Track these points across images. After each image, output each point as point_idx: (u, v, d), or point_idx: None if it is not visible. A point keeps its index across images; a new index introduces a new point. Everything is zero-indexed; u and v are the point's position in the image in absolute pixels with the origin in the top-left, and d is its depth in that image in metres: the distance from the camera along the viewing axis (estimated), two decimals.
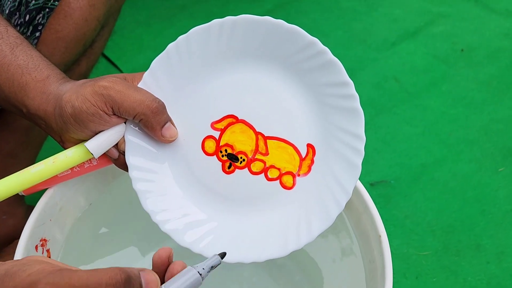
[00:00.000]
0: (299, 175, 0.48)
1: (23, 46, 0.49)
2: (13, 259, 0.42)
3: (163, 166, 0.49)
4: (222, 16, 0.47)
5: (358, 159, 0.46)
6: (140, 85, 0.48)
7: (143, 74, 0.48)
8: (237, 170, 0.48)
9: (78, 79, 0.49)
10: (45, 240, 0.53)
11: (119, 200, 0.62)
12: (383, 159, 0.99)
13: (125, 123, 0.48)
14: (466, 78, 1.19)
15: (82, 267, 0.37)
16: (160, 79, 0.48)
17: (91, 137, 0.47)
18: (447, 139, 1.04)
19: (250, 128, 0.48)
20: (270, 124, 0.48)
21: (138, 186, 0.47)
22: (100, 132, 0.47)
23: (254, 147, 0.48)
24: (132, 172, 0.48)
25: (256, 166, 0.48)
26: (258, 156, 0.48)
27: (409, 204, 0.92)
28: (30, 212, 0.52)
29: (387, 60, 1.24)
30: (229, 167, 0.49)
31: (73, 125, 0.46)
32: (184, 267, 0.35)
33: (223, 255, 0.37)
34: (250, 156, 0.48)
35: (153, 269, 0.35)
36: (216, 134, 0.48)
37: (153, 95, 0.46)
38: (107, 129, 0.47)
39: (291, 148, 0.48)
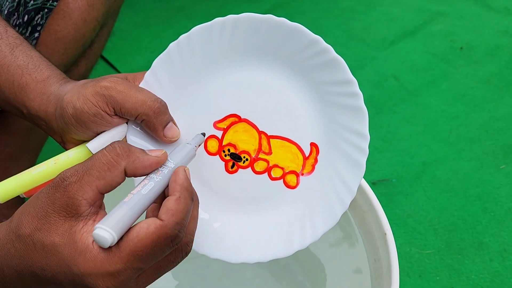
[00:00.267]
0: (302, 174, 0.48)
1: (22, 47, 0.49)
2: None
3: None
4: (219, 16, 0.46)
5: (362, 158, 0.45)
6: (141, 85, 0.47)
7: (144, 74, 0.48)
8: (240, 170, 0.48)
9: (77, 80, 0.49)
10: None
11: (120, 200, 0.62)
12: (384, 158, 0.99)
13: (126, 123, 0.47)
14: (465, 76, 1.20)
15: None
16: (161, 78, 0.47)
17: (93, 138, 0.47)
18: (447, 137, 1.04)
19: (253, 127, 0.48)
20: (273, 123, 0.47)
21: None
22: (101, 132, 0.46)
23: (257, 147, 0.48)
24: None
25: (260, 165, 0.48)
26: (261, 156, 0.48)
27: (411, 203, 0.92)
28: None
29: (386, 58, 1.24)
30: (232, 167, 0.48)
31: (74, 126, 0.45)
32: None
33: (204, 134, 0.46)
34: (253, 155, 0.48)
35: None
36: (219, 133, 0.48)
37: (155, 95, 0.45)
38: (109, 129, 0.46)
39: (294, 147, 0.47)
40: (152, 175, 0.37)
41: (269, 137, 0.48)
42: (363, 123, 0.45)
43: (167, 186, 0.37)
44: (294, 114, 0.47)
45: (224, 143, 0.48)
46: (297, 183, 0.47)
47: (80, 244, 0.33)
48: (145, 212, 0.37)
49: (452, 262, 0.83)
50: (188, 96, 0.48)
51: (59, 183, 0.34)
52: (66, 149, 0.48)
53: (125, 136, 0.48)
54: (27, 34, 0.60)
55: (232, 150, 0.48)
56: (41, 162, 0.47)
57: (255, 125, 0.48)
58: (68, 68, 0.66)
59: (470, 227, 0.88)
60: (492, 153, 1.01)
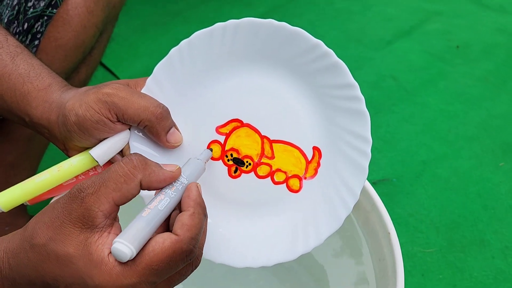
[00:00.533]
0: (305, 178, 0.48)
1: (23, 55, 0.49)
2: None
3: None
4: (216, 21, 0.46)
5: (365, 161, 0.45)
6: (143, 90, 0.48)
7: (146, 80, 0.48)
8: (243, 175, 0.48)
9: (78, 87, 0.49)
10: None
11: (125, 206, 0.62)
12: (385, 157, 1.00)
13: (129, 129, 0.47)
14: (462, 75, 1.20)
15: None
16: (163, 84, 0.48)
17: (96, 145, 0.47)
18: (446, 135, 1.05)
19: (256, 132, 0.48)
20: (275, 128, 0.47)
21: (144, 192, 0.47)
22: (104, 139, 0.47)
23: (259, 151, 0.48)
24: None
25: (262, 170, 0.48)
26: (264, 160, 0.48)
27: (412, 202, 0.92)
28: None
29: (383, 59, 1.25)
30: (235, 172, 0.48)
31: (77, 133, 0.45)
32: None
33: (211, 149, 0.47)
34: (256, 160, 0.48)
35: None
36: (221, 138, 0.48)
37: (157, 101, 0.45)
38: (112, 136, 0.46)
39: (297, 151, 0.48)
40: (167, 191, 0.38)
41: (271, 142, 0.48)
42: (365, 127, 0.45)
43: (179, 201, 0.38)
44: (296, 118, 0.47)
45: (226, 148, 0.48)
46: (300, 187, 0.48)
47: (96, 256, 0.33)
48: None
49: (455, 260, 0.84)
50: (190, 101, 0.48)
51: (76, 194, 0.34)
52: (69, 156, 0.48)
53: (128, 143, 0.48)
54: (27, 42, 0.60)
55: (235, 155, 0.48)
56: (43, 169, 0.47)
57: (257, 129, 0.48)
58: (69, 75, 0.66)
59: (471, 225, 0.89)
60: (491, 151, 1.01)
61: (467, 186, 0.95)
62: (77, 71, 0.68)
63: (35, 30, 0.59)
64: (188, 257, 0.35)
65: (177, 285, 0.39)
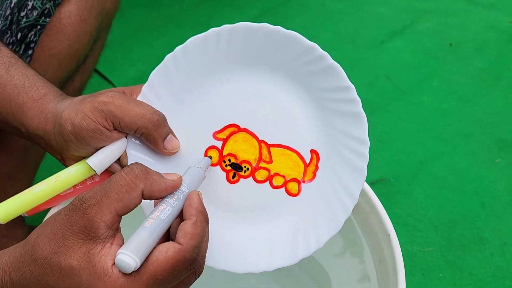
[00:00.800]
0: (304, 182, 0.48)
1: (18, 66, 0.48)
2: None
3: None
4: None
5: (363, 164, 0.45)
6: (139, 98, 0.47)
7: (141, 87, 0.48)
8: (241, 180, 0.48)
9: (73, 95, 0.49)
10: None
11: (127, 221, 0.62)
12: (381, 157, 1.00)
13: (126, 137, 0.47)
14: (456, 73, 1.21)
15: None
16: (159, 91, 0.47)
17: (92, 154, 0.46)
18: (442, 134, 1.05)
19: (253, 137, 0.48)
20: (272, 132, 0.47)
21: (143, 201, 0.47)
22: (101, 148, 0.46)
23: (257, 156, 0.48)
24: None
25: (261, 174, 0.48)
26: (262, 165, 0.48)
27: (410, 201, 0.92)
28: (30, 233, 0.51)
29: (377, 59, 1.25)
30: (233, 177, 0.48)
31: (73, 142, 0.45)
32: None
33: (210, 157, 0.47)
34: (254, 164, 0.48)
35: None
36: (219, 144, 0.48)
37: (153, 108, 0.45)
38: (109, 144, 0.46)
39: (294, 154, 0.47)
40: (168, 200, 0.38)
41: (269, 146, 0.48)
42: (362, 129, 0.45)
43: (181, 210, 0.38)
44: (293, 121, 0.47)
45: (224, 153, 0.48)
46: (299, 191, 0.48)
47: (99, 267, 0.33)
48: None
49: (454, 258, 0.84)
50: (186, 107, 0.48)
51: (77, 205, 0.34)
52: (66, 166, 0.48)
53: (125, 151, 0.48)
54: (21, 52, 0.59)
55: (232, 160, 0.48)
56: (40, 179, 0.47)
57: (254, 134, 0.48)
58: (63, 84, 0.66)
59: (469, 223, 0.89)
60: (487, 148, 1.02)
61: (464, 184, 0.95)
62: (72, 79, 0.68)
63: (28, 39, 0.59)
64: (191, 265, 0.35)
65: None
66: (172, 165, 0.48)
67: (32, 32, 0.59)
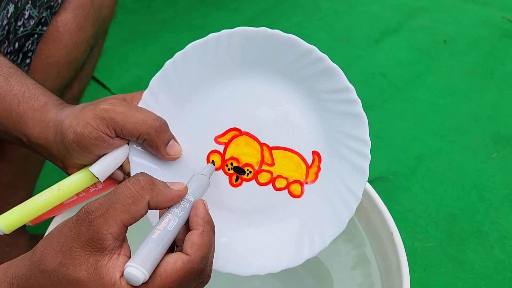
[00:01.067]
0: (306, 183, 0.48)
1: (17, 75, 0.48)
2: None
3: None
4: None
5: (365, 163, 0.46)
6: (140, 104, 0.48)
7: (142, 94, 0.48)
8: (244, 183, 0.48)
9: (71, 103, 0.49)
10: None
11: (131, 232, 0.62)
12: (380, 155, 1.00)
13: (128, 144, 0.47)
14: (450, 68, 1.22)
15: None
16: (160, 97, 0.48)
17: (95, 161, 0.47)
18: (439, 129, 1.06)
19: (254, 140, 0.48)
20: (274, 134, 0.48)
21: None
22: (103, 155, 0.46)
23: (259, 159, 0.48)
24: None
25: (263, 177, 0.48)
26: (264, 167, 0.48)
27: (409, 198, 0.93)
28: (33, 241, 0.51)
29: (372, 57, 1.26)
30: (236, 180, 0.48)
31: (76, 150, 0.45)
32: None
33: (213, 162, 0.48)
34: (256, 167, 0.48)
35: None
36: (221, 148, 0.48)
37: (154, 114, 0.45)
38: (111, 151, 0.46)
39: (296, 156, 0.48)
40: (174, 210, 0.38)
41: (271, 148, 0.48)
42: (363, 129, 0.45)
43: (187, 219, 0.38)
44: (294, 123, 0.47)
45: (226, 157, 0.48)
46: (302, 192, 0.48)
47: (107, 280, 0.33)
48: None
49: (455, 253, 0.84)
50: (187, 112, 0.48)
51: (83, 217, 0.34)
52: (68, 174, 0.48)
53: (128, 157, 0.48)
54: (19, 61, 0.59)
55: (235, 164, 0.48)
56: (41, 187, 0.47)
57: (256, 137, 0.48)
58: (62, 92, 0.66)
59: (469, 217, 0.90)
60: (483, 142, 1.03)
61: (462, 179, 0.96)
62: (70, 87, 0.68)
63: (26, 48, 0.59)
64: (199, 276, 0.35)
65: None
66: (174, 170, 0.49)
67: (30, 41, 0.59)
